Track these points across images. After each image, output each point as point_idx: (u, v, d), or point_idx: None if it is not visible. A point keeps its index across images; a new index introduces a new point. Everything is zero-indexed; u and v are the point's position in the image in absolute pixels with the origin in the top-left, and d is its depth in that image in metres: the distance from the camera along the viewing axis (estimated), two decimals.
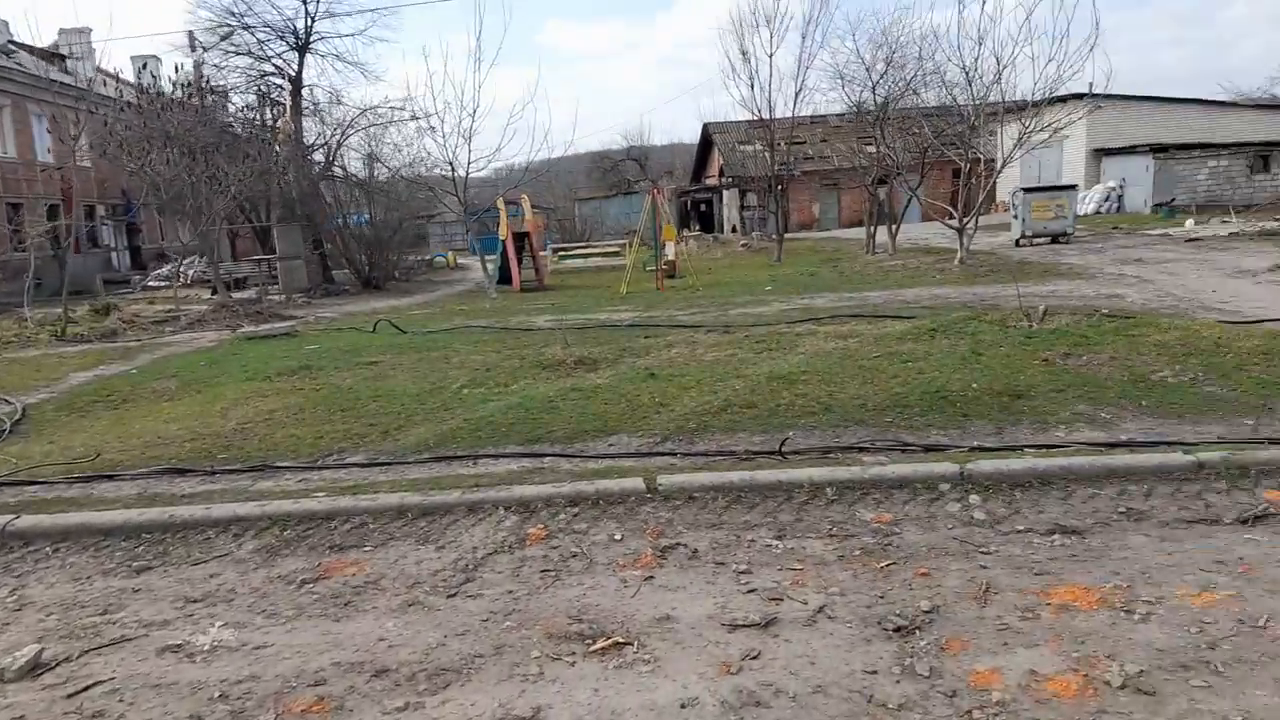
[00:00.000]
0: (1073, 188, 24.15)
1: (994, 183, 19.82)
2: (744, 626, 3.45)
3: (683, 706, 2.93)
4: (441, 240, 40.05)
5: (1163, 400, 6.12)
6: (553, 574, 4.07)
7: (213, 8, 24.41)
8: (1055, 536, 4.16)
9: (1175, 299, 11.34)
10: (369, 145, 25.40)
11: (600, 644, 3.37)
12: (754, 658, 3.22)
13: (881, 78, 22.58)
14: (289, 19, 24.49)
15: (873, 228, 23.87)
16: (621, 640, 3.39)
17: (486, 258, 21.15)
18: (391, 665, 3.32)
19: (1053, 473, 4.81)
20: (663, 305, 14.49)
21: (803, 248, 28.05)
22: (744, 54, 23.28)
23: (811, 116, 29.80)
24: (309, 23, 24.37)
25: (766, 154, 25.90)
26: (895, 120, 23.20)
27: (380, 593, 4.00)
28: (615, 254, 28.20)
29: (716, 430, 6.11)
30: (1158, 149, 32.56)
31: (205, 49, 24.48)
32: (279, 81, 25.24)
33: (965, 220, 18.38)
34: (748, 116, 24.92)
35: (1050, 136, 18.71)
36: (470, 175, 19.72)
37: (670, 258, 20.25)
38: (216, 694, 3.19)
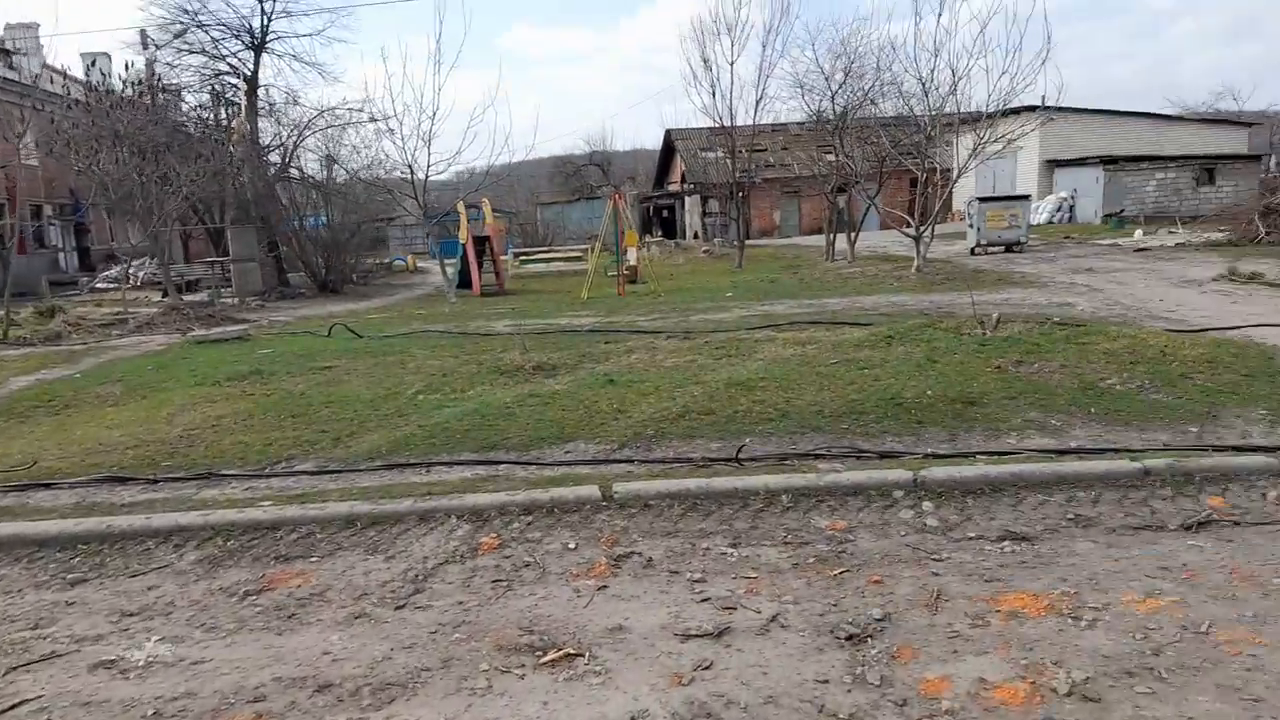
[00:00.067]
0: (1026, 198, 24.63)
1: (950, 192, 20.09)
2: (697, 636, 3.42)
3: (633, 719, 2.89)
4: (401, 243, 39.57)
5: (1111, 408, 6.23)
6: (504, 584, 4.00)
7: (166, 5, 23.85)
8: (1006, 543, 4.20)
9: (1124, 307, 11.59)
10: (326, 147, 25.04)
11: (551, 656, 3.32)
12: (706, 668, 3.19)
13: (840, 87, 22.82)
14: (244, 18, 24.11)
15: (832, 235, 24.09)
16: (573, 652, 3.34)
17: (446, 262, 20.95)
18: (335, 680, 3.23)
19: (1004, 479, 4.86)
20: (624, 311, 14.46)
21: (764, 254, 28.22)
22: (705, 61, 23.36)
23: (772, 125, 30.04)
24: (265, 22, 24.01)
25: (728, 161, 26.02)
26: (854, 129, 23.45)
27: (326, 604, 3.90)
28: (577, 259, 28.10)
29: (674, 437, 6.08)
30: (1108, 161, 33.36)
31: (158, 47, 23.96)
32: (234, 81, 24.79)
33: (922, 229, 18.63)
34: (709, 123, 24.99)
35: (1004, 148, 19.05)
36: (430, 178, 19.54)
37: (632, 263, 20.22)
38: (150, 712, 3.08)
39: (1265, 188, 25.23)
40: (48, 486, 5.72)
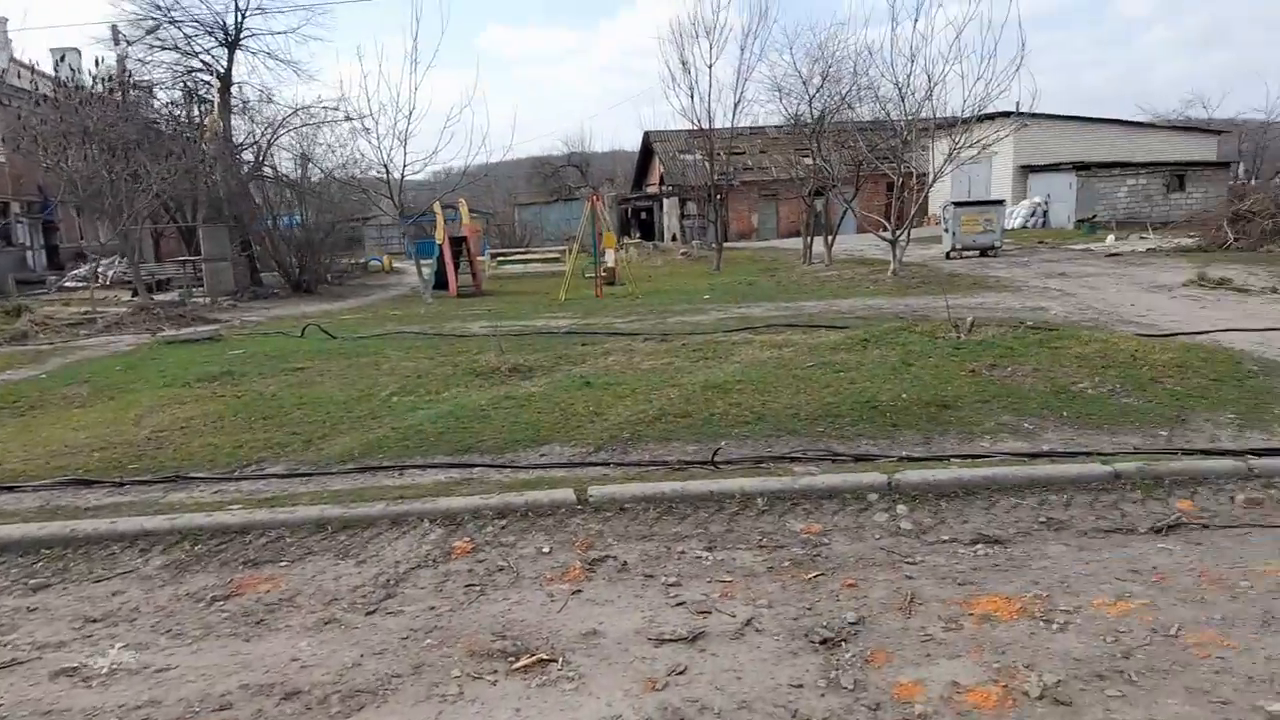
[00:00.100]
0: (1000, 203, 24.87)
1: (926, 196, 20.25)
2: (671, 641, 3.40)
3: None
4: (377, 243, 39.31)
5: (1082, 411, 6.29)
6: (478, 589, 3.96)
7: (138, 0, 23.49)
8: (979, 546, 4.22)
9: (1096, 312, 11.73)
10: (301, 145, 24.77)
11: (524, 661, 3.29)
12: (680, 673, 3.17)
13: (818, 91, 22.89)
14: (218, 14, 23.79)
15: (809, 238, 24.19)
16: (546, 657, 3.31)
17: (422, 262, 20.81)
18: (303, 687, 3.18)
19: (977, 483, 4.89)
20: (601, 313, 14.43)
21: (742, 257, 28.31)
22: (684, 64, 23.38)
23: (750, 127, 30.18)
24: (239, 19, 23.72)
25: (706, 163, 26.08)
26: (831, 133, 23.58)
27: (295, 610, 3.84)
28: (555, 260, 28.03)
29: (650, 440, 6.06)
30: (1080, 167, 33.78)
31: (129, 43, 23.58)
32: (207, 78, 24.47)
33: (898, 233, 18.76)
34: (688, 126, 25.02)
35: (979, 153, 19.23)
36: (406, 178, 19.36)
37: (610, 265, 20.20)
38: None
39: (1234, 195, 25.65)
40: (11, 489, 5.60)
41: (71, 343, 13.59)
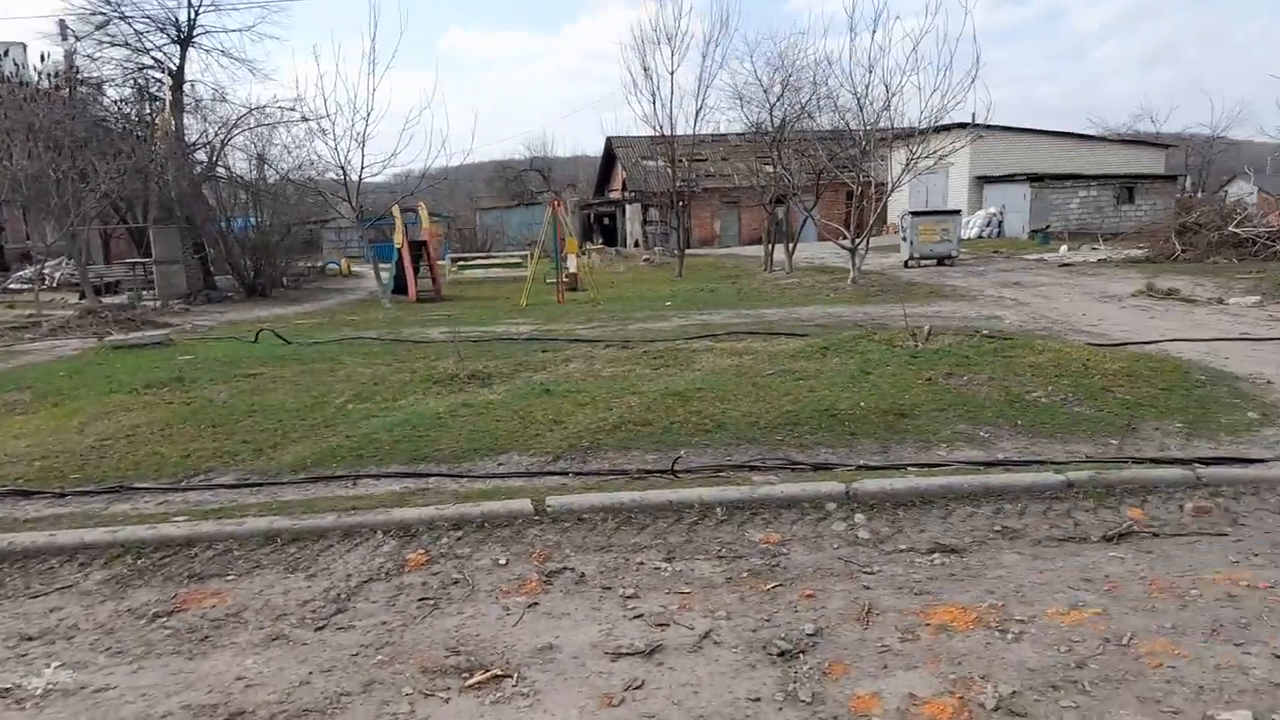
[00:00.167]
0: (957, 213, 25.28)
1: (884, 206, 20.51)
2: (628, 655, 3.36)
3: None
4: (335, 246, 38.69)
5: (1036, 420, 6.38)
6: (431, 602, 3.88)
7: None
8: (935, 555, 4.24)
9: (1049, 321, 11.95)
10: (256, 146, 24.30)
11: (478, 677, 3.22)
12: (637, 688, 3.13)
13: (779, 100, 23.10)
14: (170, 10, 23.34)
15: (771, 246, 24.36)
16: (500, 673, 3.24)
17: (381, 266, 20.53)
18: (248, 707, 3.07)
19: (934, 492, 4.92)
20: (563, 319, 14.35)
21: (704, 263, 28.40)
22: (646, 70, 23.43)
23: (713, 135, 30.28)
24: (192, 15, 23.24)
25: (669, 170, 26.13)
26: (792, 142, 23.78)
27: (242, 626, 3.72)
28: (516, 265, 27.86)
29: (610, 448, 6.02)
30: (1034, 178, 34.51)
31: (78, 38, 22.97)
32: (158, 76, 23.93)
33: (857, 241, 18.96)
34: (650, 132, 25.05)
35: (936, 163, 19.53)
36: (365, 180, 19.13)
37: (572, 270, 20.12)
38: None
39: (1180, 207, 26.36)
40: None
41: (14, 347, 13.16)
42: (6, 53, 22.87)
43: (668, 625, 3.59)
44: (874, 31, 18.94)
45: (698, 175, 37.73)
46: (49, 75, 21.26)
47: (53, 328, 15.00)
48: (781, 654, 3.31)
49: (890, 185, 19.73)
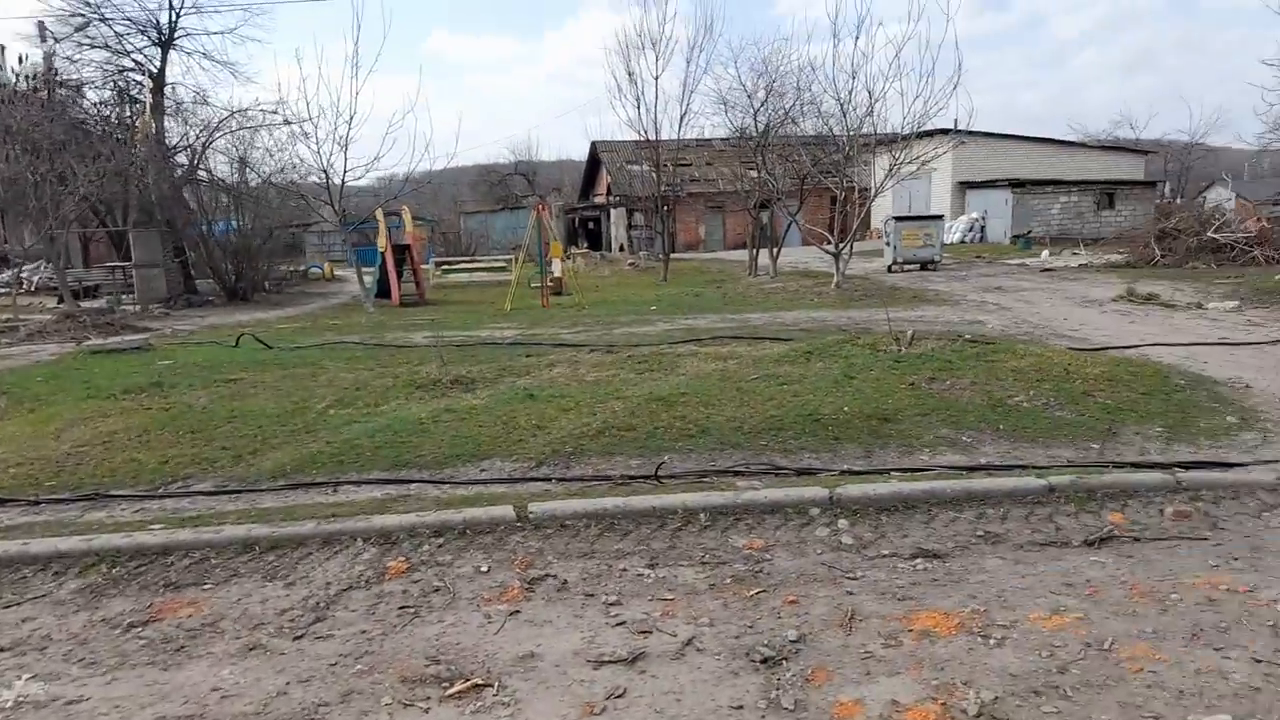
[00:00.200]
0: (940, 218, 25.43)
1: (868, 211, 20.61)
2: (611, 663, 3.33)
3: None
4: (318, 250, 38.45)
5: (1018, 424, 6.40)
6: (412, 611, 3.84)
7: None
8: (918, 560, 4.24)
9: (1031, 326, 12.02)
10: (238, 149, 24.11)
11: (458, 687, 3.18)
12: (619, 696, 3.10)
13: (763, 105, 23.16)
14: (151, 12, 23.16)
15: (755, 250, 24.42)
16: (481, 682, 3.21)
17: (364, 270, 20.41)
18: (224, 719, 3.03)
19: (917, 496, 4.92)
20: (547, 323, 14.31)
21: (688, 268, 28.43)
22: (631, 75, 23.47)
23: (697, 140, 30.30)
24: (173, 17, 23.05)
25: (653, 174, 26.15)
26: (776, 147, 23.85)
27: (218, 636, 3.67)
28: (501, 269, 27.80)
29: (594, 454, 5.99)
30: (1016, 184, 34.78)
31: (57, 40, 22.72)
32: (139, 78, 23.71)
33: (841, 246, 19.03)
34: (635, 136, 25.07)
35: (919, 169, 19.66)
36: (348, 184, 19.00)
37: (557, 275, 20.08)
38: None
39: (1160, 213, 26.60)
40: None
41: None
42: None
43: (650, 632, 3.57)
44: (857, 38, 18.98)
45: (682, 180, 37.82)
46: (27, 77, 21.06)
47: (30, 332, 14.82)
48: (764, 661, 3.29)
49: (873, 190, 19.83)
